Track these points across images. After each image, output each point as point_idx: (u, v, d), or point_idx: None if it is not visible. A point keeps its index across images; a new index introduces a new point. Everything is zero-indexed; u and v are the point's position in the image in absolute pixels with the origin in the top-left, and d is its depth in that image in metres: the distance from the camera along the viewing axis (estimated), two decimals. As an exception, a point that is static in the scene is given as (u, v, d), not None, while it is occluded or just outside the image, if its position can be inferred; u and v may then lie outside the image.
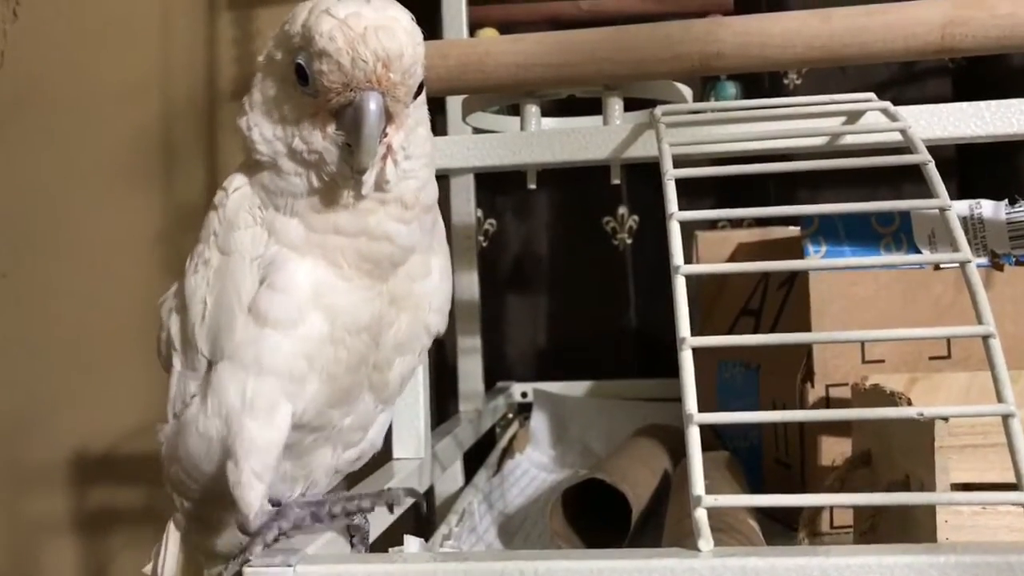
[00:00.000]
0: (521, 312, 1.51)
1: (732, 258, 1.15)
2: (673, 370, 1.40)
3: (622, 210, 1.48)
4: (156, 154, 1.62)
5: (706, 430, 1.14)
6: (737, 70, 0.84)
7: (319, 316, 0.57)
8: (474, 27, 1.12)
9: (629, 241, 1.48)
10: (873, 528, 0.70)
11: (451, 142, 0.83)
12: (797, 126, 0.78)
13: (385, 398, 0.64)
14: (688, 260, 1.21)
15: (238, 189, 0.59)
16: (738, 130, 0.79)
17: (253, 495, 0.56)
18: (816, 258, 0.90)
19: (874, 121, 0.76)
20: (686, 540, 0.49)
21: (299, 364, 0.57)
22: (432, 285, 0.62)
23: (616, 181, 0.91)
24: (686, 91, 0.96)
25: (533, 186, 0.97)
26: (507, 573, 0.48)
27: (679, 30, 0.81)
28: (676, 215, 0.61)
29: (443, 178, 0.63)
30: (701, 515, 0.49)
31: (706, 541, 0.48)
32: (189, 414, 0.60)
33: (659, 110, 0.79)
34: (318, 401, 0.59)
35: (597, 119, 0.94)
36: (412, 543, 0.55)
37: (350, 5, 0.52)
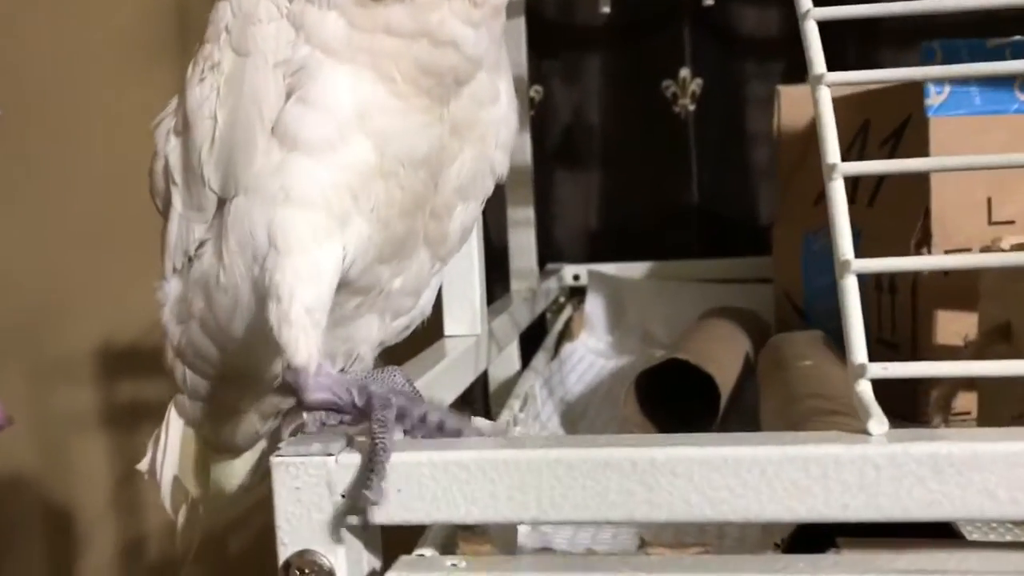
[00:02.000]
0: (571, 188, 1.39)
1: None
2: (740, 249, 1.31)
3: (684, 72, 1.34)
4: (171, 27, 1.49)
5: (787, 308, 1.03)
6: None
7: (365, 142, 0.45)
8: None
9: (692, 107, 1.34)
10: (1026, 413, 0.59)
11: None
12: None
13: (443, 254, 0.52)
14: (767, 120, 1.11)
15: None
16: None
17: (305, 339, 0.43)
18: (938, 100, 0.76)
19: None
20: (828, 420, 0.38)
21: (342, 198, 0.45)
22: (500, 113, 0.50)
23: (709, 2, 0.75)
24: None
25: (607, 9, 0.83)
26: (613, 462, 0.36)
27: None
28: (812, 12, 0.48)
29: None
30: (866, 389, 0.38)
31: (879, 422, 0.36)
32: (201, 266, 0.49)
33: None
34: (366, 253, 0.47)
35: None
36: (482, 425, 0.44)
37: None
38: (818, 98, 0.48)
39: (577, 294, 1.29)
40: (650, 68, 1.35)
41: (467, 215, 0.52)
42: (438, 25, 0.45)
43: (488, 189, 0.52)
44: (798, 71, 1.23)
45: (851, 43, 1.24)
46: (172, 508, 0.59)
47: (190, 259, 0.50)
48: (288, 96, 0.45)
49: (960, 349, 0.72)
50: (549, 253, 1.37)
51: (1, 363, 1.55)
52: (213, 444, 0.58)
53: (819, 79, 0.46)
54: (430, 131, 0.47)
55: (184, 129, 0.49)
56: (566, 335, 1.15)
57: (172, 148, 0.50)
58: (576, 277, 1.31)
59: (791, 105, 1.03)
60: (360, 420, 0.42)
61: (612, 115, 1.37)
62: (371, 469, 0.38)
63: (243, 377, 0.53)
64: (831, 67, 0.47)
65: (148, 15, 1.48)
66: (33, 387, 1.57)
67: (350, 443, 0.41)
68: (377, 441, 0.39)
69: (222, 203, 0.48)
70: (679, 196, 1.35)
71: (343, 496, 0.39)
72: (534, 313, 1.12)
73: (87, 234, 1.53)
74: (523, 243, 1.24)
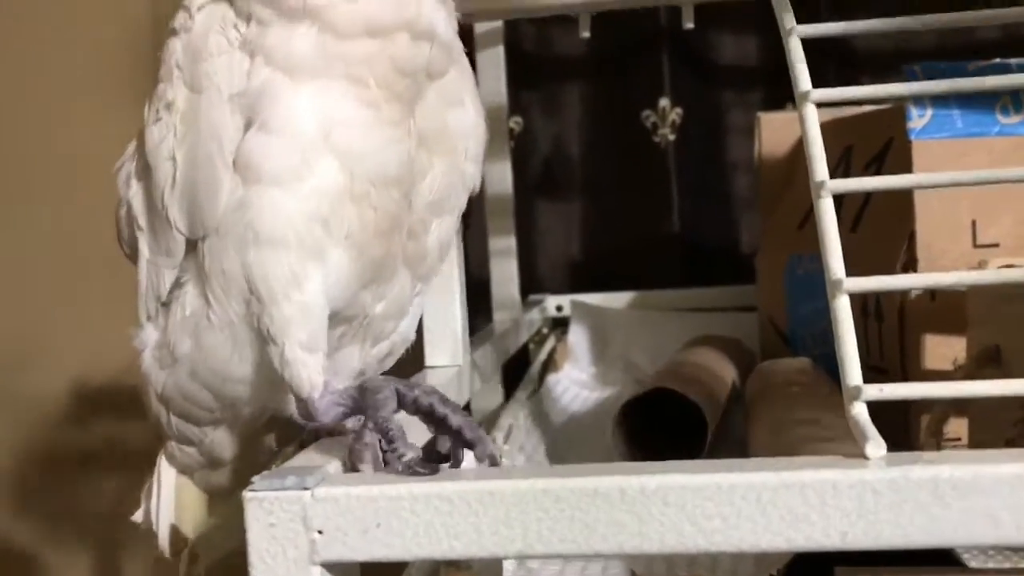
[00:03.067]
0: (552, 219, 1.38)
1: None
2: (722, 277, 1.30)
3: (664, 102, 1.33)
4: (148, 59, 1.48)
5: (772, 335, 1.02)
6: None
7: (333, 163, 0.44)
8: None
9: (672, 137, 1.33)
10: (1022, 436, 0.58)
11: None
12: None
13: (423, 273, 0.51)
14: (748, 148, 1.10)
15: (205, 6, 0.46)
16: None
17: (307, 371, 0.44)
18: (920, 123, 0.75)
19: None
20: (822, 446, 0.36)
21: (313, 230, 0.43)
22: (468, 121, 0.49)
23: (689, 25, 0.79)
24: None
25: (587, 34, 0.83)
26: (602, 491, 0.35)
27: None
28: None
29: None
30: (861, 411, 0.36)
31: (876, 445, 0.35)
32: (182, 309, 0.47)
33: None
34: (348, 283, 0.46)
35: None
36: (466, 457, 0.42)
37: None
38: (804, 115, 0.48)
39: (560, 325, 1.28)
40: (630, 98, 1.34)
41: (443, 231, 0.51)
42: (417, 13, 0.44)
43: (462, 203, 0.51)
44: (777, 99, 1.27)
45: (831, 69, 1.23)
46: (172, 554, 0.57)
47: (165, 304, 0.48)
48: (247, 127, 0.44)
49: (950, 373, 0.71)
50: (531, 284, 1.35)
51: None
52: (207, 487, 0.56)
53: (805, 96, 0.46)
54: (399, 147, 0.46)
55: (144, 172, 0.48)
56: (549, 366, 1.14)
57: (134, 193, 0.49)
58: (559, 308, 1.30)
59: (772, 132, 1.03)
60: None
61: (592, 145, 1.36)
62: (391, 440, 0.40)
63: (240, 416, 0.51)
64: (812, 92, 0.46)
65: (121, 45, 1.47)
66: (4, 428, 1.54)
67: (325, 478, 0.39)
68: (379, 418, 0.40)
69: (192, 244, 0.46)
70: (661, 225, 1.34)
71: (320, 532, 0.37)
72: (517, 344, 1.10)
73: (61, 269, 1.50)
74: (505, 274, 1.23)
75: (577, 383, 1.12)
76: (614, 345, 1.21)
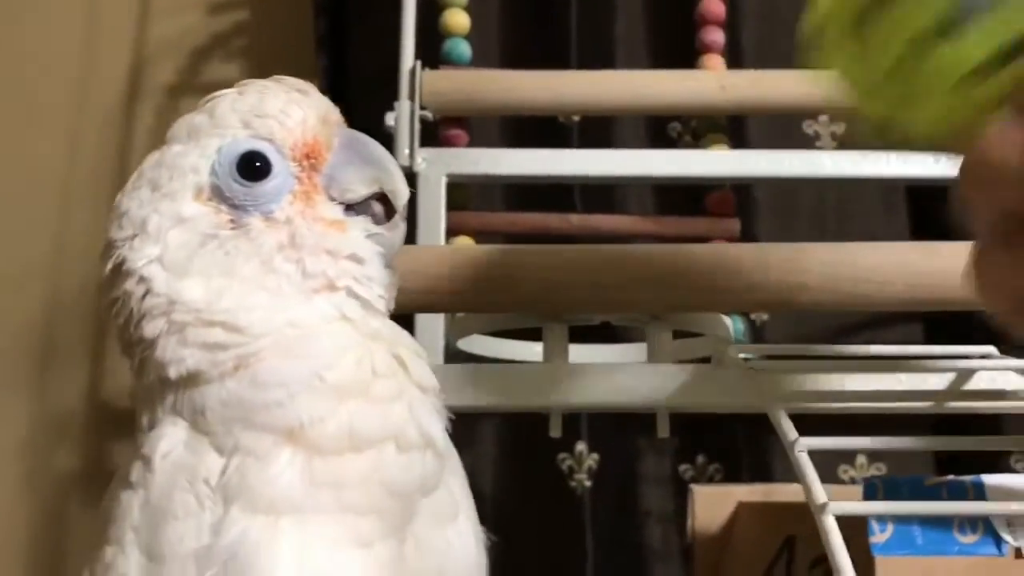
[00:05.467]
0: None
1: (734, 521, 0.96)
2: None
3: (580, 447, 1.30)
4: (35, 353, 1.39)
5: None
6: (823, 307, 0.75)
7: None
8: (448, 234, 0.97)
9: (588, 483, 1.29)
10: None
11: (459, 372, 0.68)
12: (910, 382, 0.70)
13: None
14: (680, 519, 1.06)
15: (169, 453, 0.41)
16: (844, 383, 0.71)
17: None
18: (883, 538, 0.73)
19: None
20: None
21: None
22: (466, 546, 0.46)
23: (665, 434, 0.79)
24: (728, 323, 0.86)
25: (557, 434, 0.84)
26: None
27: (754, 254, 0.71)
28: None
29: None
30: None
31: None
32: None
33: (735, 351, 0.70)
34: None
35: (623, 348, 0.86)
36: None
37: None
38: (826, 528, 0.50)
39: None
40: (545, 440, 1.24)
41: None
42: (404, 416, 0.42)
43: None
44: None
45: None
46: None
47: None
48: None
49: None
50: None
51: None
52: None
53: (822, 508, 0.50)
54: None
55: None
56: None
57: None
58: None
59: (705, 506, 0.98)
60: None
61: (504, 487, 1.30)
62: None
63: None
64: None
65: (10, 338, 1.38)
66: None
67: None
68: None
69: None
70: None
71: None
72: None
73: None
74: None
75: None
76: None
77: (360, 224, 0.45)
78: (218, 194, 0.43)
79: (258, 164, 0.43)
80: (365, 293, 0.44)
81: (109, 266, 0.44)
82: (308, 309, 0.42)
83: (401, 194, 0.45)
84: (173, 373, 0.41)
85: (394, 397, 0.42)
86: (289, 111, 0.44)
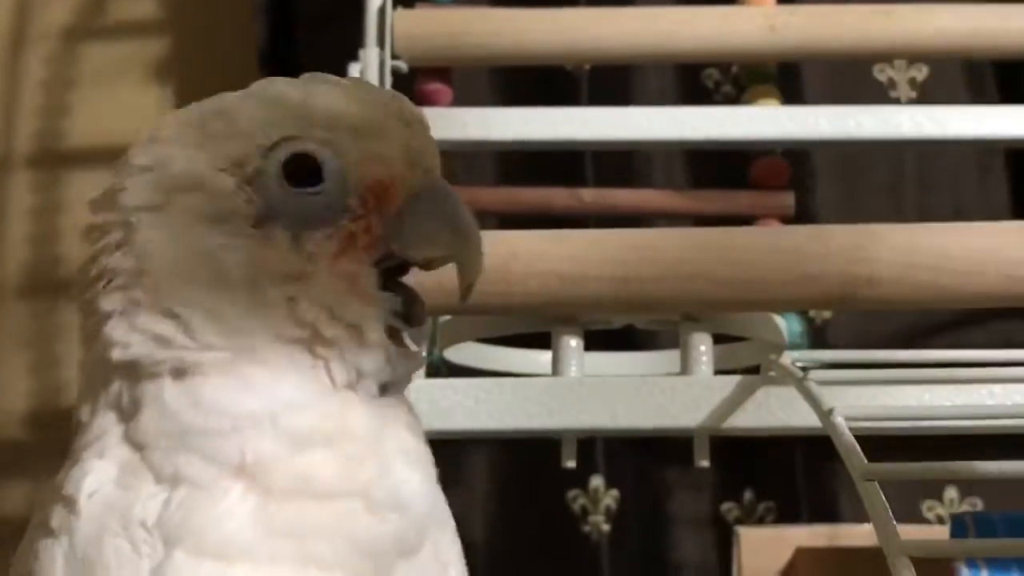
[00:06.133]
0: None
1: (791, 571, 0.93)
2: None
3: (596, 481, 1.18)
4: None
5: None
6: (897, 304, 0.71)
7: None
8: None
9: (606, 527, 1.18)
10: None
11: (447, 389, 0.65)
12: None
13: None
14: (724, 569, 0.94)
15: (96, 492, 0.39)
16: (925, 397, 0.67)
17: None
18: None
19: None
20: None
21: None
22: None
23: (704, 463, 0.72)
24: (781, 324, 0.78)
25: (572, 464, 0.75)
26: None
27: (811, 238, 0.68)
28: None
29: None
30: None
31: None
32: None
33: (789, 358, 0.65)
34: None
35: (651, 357, 0.85)
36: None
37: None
38: (896, 566, 0.47)
39: None
40: (554, 475, 1.15)
41: None
42: (380, 476, 0.40)
43: None
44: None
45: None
46: None
47: None
48: None
49: None
50: None
51: None
52: None
53: (898, 549, 0.45)
54: None
55: None
56: None
57: None
58: None
59: (755, 553, 0.96)
60: None
61: (504, 532, 1.20)
62: None
63: None
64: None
65: None
66: None
67: None
68: None
69: None
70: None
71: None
72: None
73: None
74: None
75: None
76: None
77: (387, 303, 0.42)
78: (258, 181, 0.41)
79: (310, 174, 0.41)
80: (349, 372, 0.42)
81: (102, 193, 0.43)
82: (282, 349, 0.41)
83: (472, 270, 0.43)
84: (116, 356, 0.41)
85: (364, 455, 0.41)
86: (381, 138, 0.42)
